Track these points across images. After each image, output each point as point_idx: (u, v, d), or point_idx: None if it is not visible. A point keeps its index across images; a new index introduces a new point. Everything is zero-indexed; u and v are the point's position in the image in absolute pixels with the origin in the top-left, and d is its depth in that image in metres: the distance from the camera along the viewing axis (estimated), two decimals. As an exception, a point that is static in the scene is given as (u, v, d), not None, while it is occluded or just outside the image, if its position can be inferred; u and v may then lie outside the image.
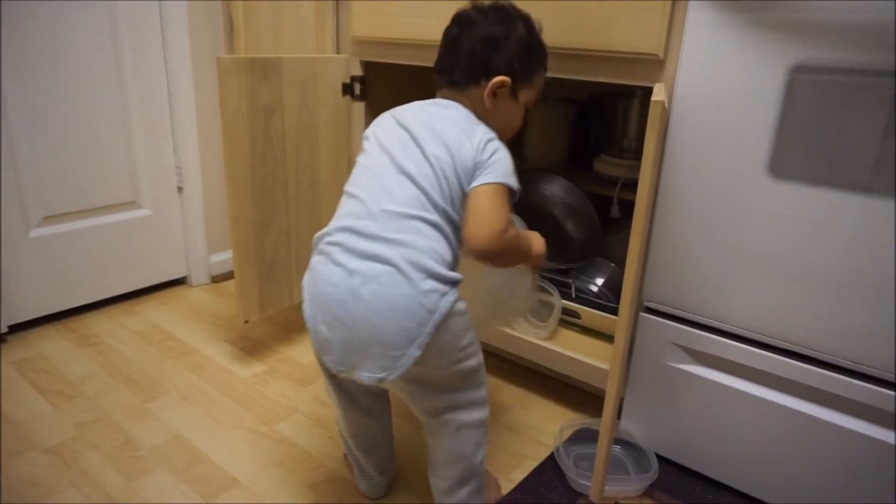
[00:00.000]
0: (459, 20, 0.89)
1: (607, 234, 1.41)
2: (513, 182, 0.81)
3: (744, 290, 0.93)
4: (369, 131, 0.87)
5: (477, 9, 0.89)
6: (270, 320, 1.56)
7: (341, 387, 0.87)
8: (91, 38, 1.41)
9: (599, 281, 1.32)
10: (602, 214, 1.40)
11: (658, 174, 0.96)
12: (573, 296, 1.28)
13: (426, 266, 0.73)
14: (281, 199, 1.30)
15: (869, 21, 0.76)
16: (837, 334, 0.87)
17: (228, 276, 1.80)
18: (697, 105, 0.91)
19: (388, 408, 0.95)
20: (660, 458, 1.06)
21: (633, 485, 1.01)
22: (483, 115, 0.87)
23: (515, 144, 0.87)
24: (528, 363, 1.34)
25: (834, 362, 0.88)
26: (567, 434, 1.12)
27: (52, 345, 1.41)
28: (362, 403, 0.90)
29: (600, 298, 1.28)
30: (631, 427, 1.10)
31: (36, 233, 1.42)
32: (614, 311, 1.18)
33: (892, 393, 0.84)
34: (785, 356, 0.92)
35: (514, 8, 0.89)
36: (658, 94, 0.80)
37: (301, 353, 1.42)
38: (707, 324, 0.98)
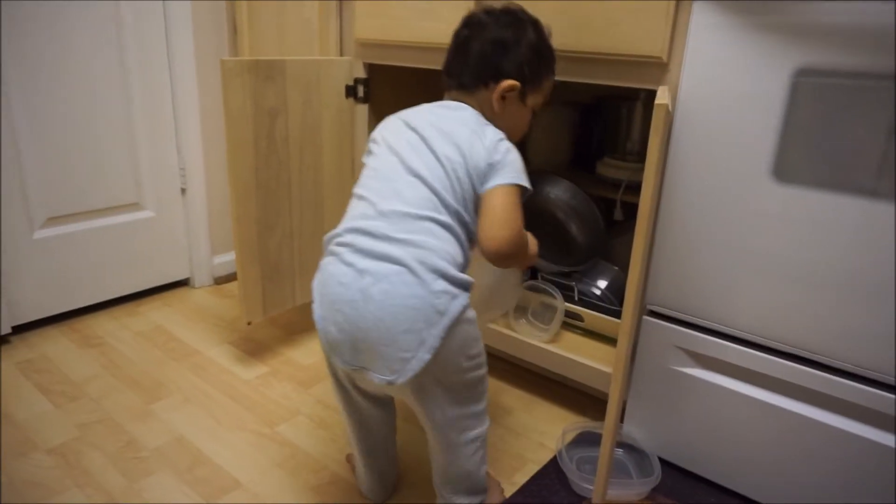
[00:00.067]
0: (470, 22, 0.89)
1: (610, 237, 1.41)
2: (526, 181, 0.81)
3: (747, 294, 0.93)
4: (376, 134, 0.87)
5: (487, 12, 0.88)
6: (273, 322, 1.56)
7: (347, 390, 0.87)
8: (94, 38, 1.41)
9: (602, 284, 1.31)
10: (605, 217, 1.40)
11: (661, 177, 0.96)
12: (576, 299, 1.28)
13: (438, 266, 0.73)
14: (284, 201, 1.30)
15: (873, 25, 0.76)
16: (840, 338, 0.87)
17: (231, 277, 1.80)
18: (701, 108, 0.91)
19: (393, 411, 0.95)
20: (662, 461, 1.06)
21: (635, 488, 1.01)
22: (491, 118, 0.87)
23: (519, 147, 0.87)
24: (530, 366, 1.33)
25: (836, 366, 0.88)
26: (569, 437, 1.12)
27: (55, 346, 1.41)
28: (367, 407, 0.89)
29: (603, 301, 1.28)
30: (634, 430, 1.10)
31: (39, 234, 1.42)
32: (617, 314, 1.18)
33: (893, 396, 0.84)
34: (787, 359, 0.91)
35: (524, 12, 0.89)
36: (662, 97, 0.79)
37: (304, 355, 1.42)
38: (710, 327, 0.98)
